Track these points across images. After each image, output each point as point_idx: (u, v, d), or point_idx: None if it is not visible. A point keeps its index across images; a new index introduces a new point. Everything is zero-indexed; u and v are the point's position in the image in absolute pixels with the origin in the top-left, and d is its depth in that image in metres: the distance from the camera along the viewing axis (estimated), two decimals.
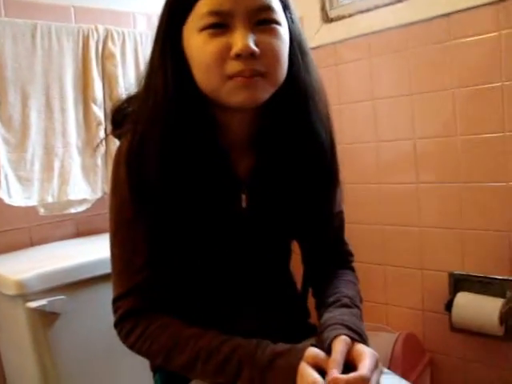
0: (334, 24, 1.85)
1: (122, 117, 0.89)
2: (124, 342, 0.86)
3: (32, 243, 1.54)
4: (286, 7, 0.81)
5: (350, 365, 0.71)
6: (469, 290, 1.58)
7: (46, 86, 1.46)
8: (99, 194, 1.59)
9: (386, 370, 0.86)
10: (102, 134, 1.55)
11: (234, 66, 0.74)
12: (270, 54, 0.76)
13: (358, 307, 0.87)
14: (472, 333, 1.58)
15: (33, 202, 1.44)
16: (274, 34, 0.77)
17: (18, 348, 1.32)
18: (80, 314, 1.31)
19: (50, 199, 1.47)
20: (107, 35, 1.58)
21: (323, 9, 1.88)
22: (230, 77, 0.75)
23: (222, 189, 0.85)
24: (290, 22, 0.81)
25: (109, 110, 1.48)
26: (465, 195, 1.57)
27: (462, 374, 1.66)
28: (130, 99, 0.89)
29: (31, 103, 1.43)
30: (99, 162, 1.58)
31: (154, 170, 0.79)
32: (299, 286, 1.06)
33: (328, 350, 0.73)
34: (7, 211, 1.43)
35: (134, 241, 0.84)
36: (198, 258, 0.88)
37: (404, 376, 0.97)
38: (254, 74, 0.75)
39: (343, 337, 0.74)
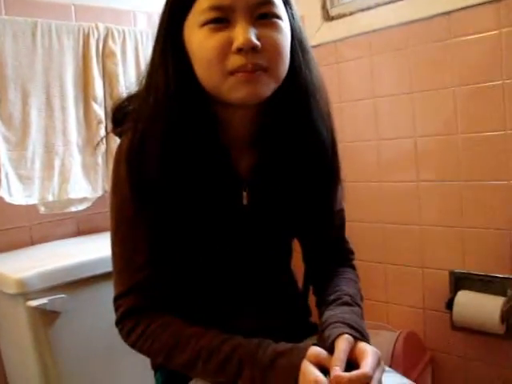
0: (334, 22, 1.85)
1: (122, 115, 0.89)
2: (125, 341, 0.86)
3: (33, 242, 1.54)
4: (286, 3, 0.81)
5: (352, 363, 0.71)
6: (470, 288, 1.58)
7: (47, 84, 1.46)
8: (100, 193, 1.59)
9: (387, 369, 0.86)
10: (102, 132, 1.55)
11: (235, 61, 0.74)
12: (272, 48, 0.76)
13: (358, 305, 0.87)
14: (473, 331, 1.58)
15: (33, 200, 1.44)
16: (276, 28, 0.77)
17: (18, 347, 1.32)
18: (81, 312, 1.30)
19: (50, 198, 1.47)
20: (108, 33, 1.58)
21: (324, 7, 1.88)
22: (232, 73, 0.75)
23: (223, 186, 0.85)
24: (291, 18, 0.81)
25: (109, 109, 1.47)
26: (465, 193, 1.57)
27: (462, 372, 1.66)
28: (131, 97, 0.89)
29: (31, 101, 1.42)
30: (100, 160, 1.57)
31: (154, 168, 0.79)
32: (300, 284, 1.06)
33: (330, 349, 0.73)
34: (8, 210, 1.43)
35: (135, 239, 0.83)
36: (199, 255, 0.88)
37: (405, 374, 0.97)
38: (256, 68, 0.74)
39: (346, 335, 0.74)
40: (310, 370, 0.70)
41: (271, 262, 0.97)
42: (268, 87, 0.78)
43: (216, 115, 0.83)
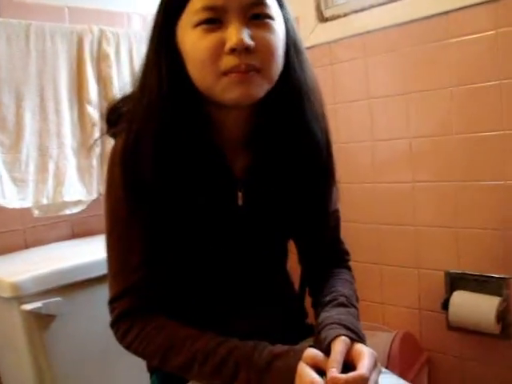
0: (329, 23, 1.86)
1: (116, 116, 0.89)
2: (120, 343, 0.85)
3: (27, 245, 1.53)
4: (280, 4, 0.81)
5: (348, 365, 0.71)
6: (465, 288, 1.59)
7: (41, 87, 1.45)
8: (94, 196, 1.58)
9: (383, 370, 0.86)
10: (97, 134, 1.55)
11: (228, 61, 0.74)
12: (265, 48, 0.76)
13: (354, 306, 0.87)
14: (469, 331, 1.58)
15: (27, 203, 1.43)
16: (269, 28, 0.77)
17: (13, 350, 1.31)
18: (76, 315, 1.30)
19: (44, 201, 1.46)
20: (102, 36, 1.58)
21: (318, 8, 1.88)
22: (225, 73, 0.75)
23: (218, 186, 0.85)
24: (285, 19, 0.81)
25: (104, 111, 1.47)
26: (460, 194, 1.58)
27: (459, 372, 1.66)
28: (125, 99, 0.89)
29: (25, 104, 1.42)
30: (94, 163, 1.57)
31: (149, 169, 0.79)
32: (297, 286, 1.05)
33: (326, 351, 0.73)
34: (2, 213, 1.43)
35: (130, 240, 0.83)
36: (194, 256, 0.88)
37: (402, 375, 0.97)
38: (249, 68, 0.74)
39: (343, 337, 0.73)
40: (306, 371, 0.70)
41: (266, 263, 0.96)
42: (261, 88, 0.78)
43: (210, 116, 0.83)
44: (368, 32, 1.71)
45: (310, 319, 1.00)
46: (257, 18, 0.76)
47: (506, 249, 1.50)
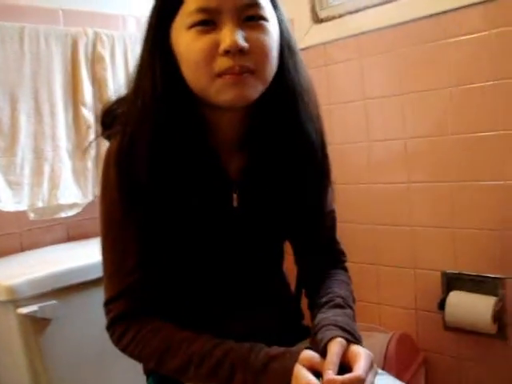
0: (323, 24, 1.86)
1: (111, 118, 0.89)
2: (116, 345, 0.85)
3: (22, 248, 1.52)
4: (274, 5, 0.81)
5: (345, 366, 0.71)
6: (461, 288, 1.59)
7: (35, 89, 1.45)
8: (90, 198, 1.58)
9: (380, 371, 0.86)
10: (91, 137, 1.54)
11: (223, 63, 0.74)
12: (259, 50, 0.76)
13: (351, 307, 0.87)
14: (465, 331, 1.59)
15: (23, 206, 1.43)
16: (263, 30, 0.77)
17: (9, 354, 1.30)
18: (72, 319, 1.29)
19: (40, 204, 1.46)
20: (96, 38, 1.57)
21: (313, 9, 1.89)
22: (219, 75, 0.75)
23: (213, 188, 0.85)
24: (279, 20, 0.81)
25: (98, 113, 1.47)
26: (457, 194, 1.58)
27: (456, 372, 1.67)
28: (120, 100, 0.89)
29: (20, 107, 1.41)
30: (90, 165, 1.56)
31: (143, 171, 0.79)
32: (293, 287, 1.05)
33: (323, 352, 0.73)
34: None
35: (125, 240, 0.83)
36: (189, 257, 0.88)
37: (398, 376, 0.97)
38: (244, 70, 0.74)
39: (339, 339, 0.73)
40: (302, 373, 0.70)
41: (262, 265, 0.96)
42: (255, 89, 0.77)
43: (204, 117, 0.83)
44: (363, 33, 1.72)
45: (307, 321, 1.00)
46: (251, 19, 0.76)
47: (503, 249, 1.51)
